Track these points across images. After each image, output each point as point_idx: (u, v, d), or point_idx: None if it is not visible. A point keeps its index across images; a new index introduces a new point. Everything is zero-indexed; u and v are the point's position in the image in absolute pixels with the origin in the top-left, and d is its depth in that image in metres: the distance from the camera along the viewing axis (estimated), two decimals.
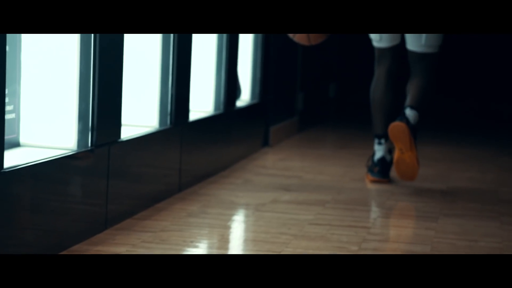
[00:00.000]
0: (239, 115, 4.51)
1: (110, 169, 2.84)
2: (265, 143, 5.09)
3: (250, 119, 4.80)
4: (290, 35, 3.81)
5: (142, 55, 3.35)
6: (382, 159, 4.07)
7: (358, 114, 7.70)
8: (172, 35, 3.36)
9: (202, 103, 4.10)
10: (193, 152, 3.73)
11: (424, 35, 3.93)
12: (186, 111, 3.61)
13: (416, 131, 3.89)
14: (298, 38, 3.76)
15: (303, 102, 5.99)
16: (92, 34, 2.66)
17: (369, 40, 4.13)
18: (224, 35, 4.10)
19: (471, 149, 5.55)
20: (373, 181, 4.10)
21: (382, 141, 4.07)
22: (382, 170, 4.07)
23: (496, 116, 7.89)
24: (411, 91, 3.97)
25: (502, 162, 5.05)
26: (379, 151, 4.08)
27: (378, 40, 4.03)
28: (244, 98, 4.80)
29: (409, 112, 3.86)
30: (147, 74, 3.37)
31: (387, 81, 4.05)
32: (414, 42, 3.97)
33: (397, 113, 4.01)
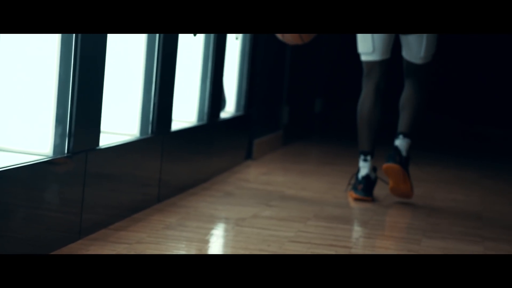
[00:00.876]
0: (223, 127, 4.43)
1: (86, 177, 2.75)
2: (248, 156, 5.01)
3: (234, 131, 4.72)
4: (279, 36, 3.74)
5: (126, 61, 3.26)
6: (366, 176, 4.01)
7: (344, 130, 7.65)
8: (157, 41, 3.28)
9: (185, 113, 4.01)
10: (174, 162, 3.65)
11: (423, 47, 3.96)
12: (169, 120, 3.53)
13: (408, 160, 3.99)
14: (290, 37, 3.69)
15: (288, 116, 5.92)
16: (74, 36, 2.58)
17: (356, 56, 4.08)
18: (211, 44, 4.03)
19: (455, 170, 5.49)
20: (356, 199, 4.03)
21: (368, 158, 4.02)
22: (366, 188, 4.00)
23: (480, 138, 7.87)
24: (404, 114, 4.02)
25: (486, 184, 5.00)
26: (364, 168, 4.02)
27: (370, 52, 3.97)
28: (229, 109, 4.73)
29: (400, 143, 3.96)
30: (130, 81, 3.28)
31: (375, 98, 4.02)
32: (414, 55, 4.01)
33: (383, 129, 4.02)
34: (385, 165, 3.94)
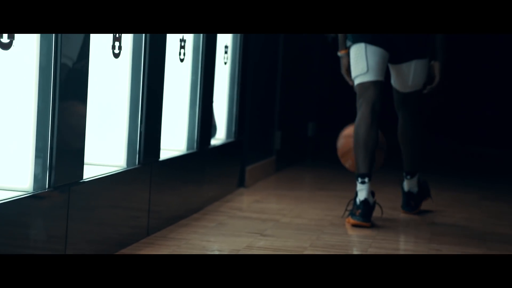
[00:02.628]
0: (214, 154, 4.29)
1: (69, 212, 2.60)
2: (241, 183, 4.86)
3: (225, 158, 4.58)
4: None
5: (110, 88, 3.12)
6: (365, 201, 3.88)
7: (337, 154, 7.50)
8: (142, 66, 3.14)
9: (175, 141, 3.87)
10: (163, 192, 3.50)
11: (411, 77, 4.05)
12: (157, 149, 3.39)
13: (423, 190, 4.39)
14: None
15: (281, 141, 5.78)
16: (53, 63, 2.43)
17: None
18: (199, 70, 3.89)
19: (454, 192, 5.36)
20: (354, 225, 3.89)
21: (366, 180, 3.91)
22: (364, 214, 3.86)
23: (477, 158, 7.75)
24: (405, 151, 4.30)
25: (486, 206, 4.86)
26: (361, 192, 3.90)
27: (364, 72, 3.95)
28: (220, 136, 4.58)
29: (409, 185, 4.34)
30: (115, 109, 3.14)
31: (371, 119, 3.94)
32: (402, 83, 4.12)
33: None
34: (403, 212, 4.34)
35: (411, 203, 4.34)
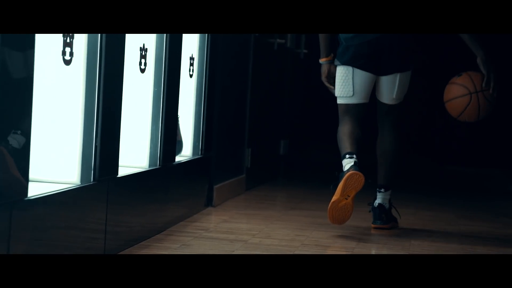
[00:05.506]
0: (179, 171, 4.07)
1: (12, 234, 2.36)
2: (209, 202, 4.64)
3: (192, 176, 4.35)
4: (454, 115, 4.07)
5: (60, 98, 2.88)
6: (354, 163, 3.92)
7: (310, 172, 7.32)
8: (97, 74, 2.91)
9: (136, 157, 3.65)
10: (122, 212, 3.27)
11: (395, 90, 4.15)
12: (115, 165, 3.16)
13: (391, 207, 4.30)
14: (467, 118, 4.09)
15: (251, 159, 5.56)
16: None
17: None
18: (162, 82, 3.67)
19: (430, 211, 5.17)
20: (349, 180, 3.81)
21: (354, 156, 3.97)
22: (357, 169, 3.87)
23: (452, 177, 7.61)
24: (382, 164, 4.27)
25: (464, 226, 4.67)
26: (349, 164, 3.92)
27: (350, 96, 4.11)
28: (186, 153, 4.36)
29: (383, 197, 4.27)
30: (67, 121, 2.90)
31: (354, 123, 4.12)
32: (386, 96, 4.18)
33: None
34: (374, 226, 4.24)
35: (383, 216, 4.25)
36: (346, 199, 3.84)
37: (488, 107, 4.06)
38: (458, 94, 4.09)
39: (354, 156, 3.95)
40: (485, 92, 4.03)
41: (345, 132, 4.08)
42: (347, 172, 3.84)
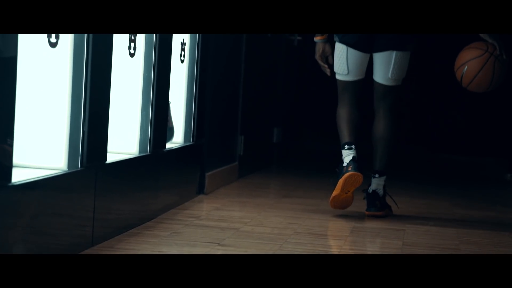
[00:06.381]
0: (170, 158, 4.00)
1: None
2: (200, 190, 4.57)
3: (183, 163, 4.28)
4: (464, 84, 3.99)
5: (46, 81, 2.80)
6: (353, 158, 4.04)
7: (304, 160, 7.25)
8: (85, 60, 2.84)
9: (126, 143, 3.58)
10: (111, 199, 3.20)
11: (391, 68, 4.12)
12: (103, 150, 3.09)
13: (385, 194, 4.22)
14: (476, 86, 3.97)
15: (244, 147, 5.49)
16: None
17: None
18: (153, 66, 3.60)
19: (425, 199, 5.11)
20: (348, 179, 3.97)
21: (352, 146, 4.08)
22: (356, 167, 4.00)
23: (447, 165, 7.55)
24: (378, 150, 4.20)
25: (459, 214, 4.61)
26: (349, 156, 4.04)
27: (345, 74, 4.15)
28: (177, 140, 4.29)
29: (377, 183, 4.18)
30: (53, 105, 2.83)
31: (352, 102, 4.19)
32: (382, 75, 4.15)
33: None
34: (368, 213, 4.17)
35: (377, 203, 4.19)
36: (346, 193, 4.05)
37: (501, 74, 3.96)
38: (473, 56, 3.98)
39: (353, 146, 4.06)
40: (499, 57, 3.95)
41: (343, 117, 4.15)
42: (346, 172, 3.98)
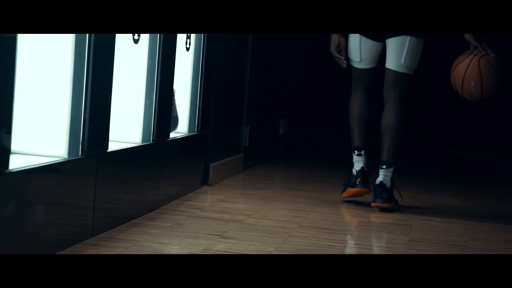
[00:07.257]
0: (174, 148, 3.93)
1: None
2: (204, 181, 4.50)
3: (187, 153, 4.21)
4: (456, 89, 4.04)
5: (47, 67, 2.73)
6: (362, 170, 4.19)
7: (310, 152, 7.18)
8: (87, 45, 2.77)
9: (129, 132, 3.51)
10: (112, 188, 3.13)
11: (404, 54, 4.12)
12: (105, 138, 3.02)
13: (392, 187, 4.18)
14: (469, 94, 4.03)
15: (249, 138, 5.42)
16: None
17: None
18: (157, 54, 3.53)
19: (431, 195, 5.04)
20: (355, 194, 4.21)
21: (362, 152, 4.23)
22: (363, 181, 4.19)
23: (453, 160, 7.48)
24: (386, 141, 4.17)
25: (466, 209, 4.54)
26: (358, 163, 4.22)
27: (358, 61, 4.21)
28: (181, 129, 4.22)
29: (385, 174, 4.14)
30: (53, 91, 2.76)
31: (365, 99, 4.26)
32: (395, 60, 4.14)
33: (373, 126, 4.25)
34: (374, 205, 4.13)
35: (383, 195, 4.11)
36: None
37: (492, 74, 3.94)
38: (459, 60, 4.08)
39: (362, 152, 4.23)
40: (486, 57, 3.95)
41: (355, 116, 4.26)
42: (354, 187, 4.20)
